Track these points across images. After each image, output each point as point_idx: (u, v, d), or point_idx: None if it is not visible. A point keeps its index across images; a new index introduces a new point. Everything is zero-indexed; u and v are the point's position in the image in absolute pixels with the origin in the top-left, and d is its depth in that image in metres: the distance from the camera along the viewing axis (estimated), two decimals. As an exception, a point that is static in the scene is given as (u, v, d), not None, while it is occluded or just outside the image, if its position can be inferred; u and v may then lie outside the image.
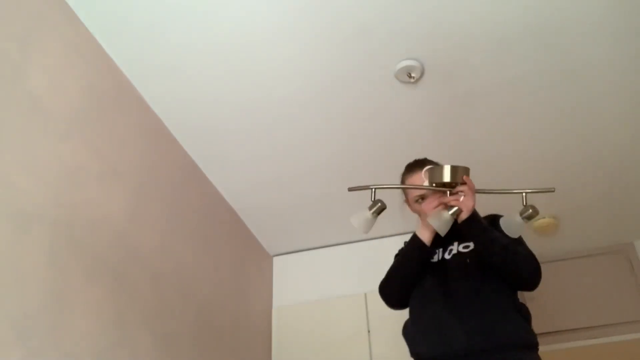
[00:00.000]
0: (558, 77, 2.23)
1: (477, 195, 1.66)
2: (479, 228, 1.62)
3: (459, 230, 1.68)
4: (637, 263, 3.34)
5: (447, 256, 1.74)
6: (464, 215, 1.60)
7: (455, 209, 1.61)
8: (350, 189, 1.77)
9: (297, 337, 3.03)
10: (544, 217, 3.12)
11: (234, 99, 2.30)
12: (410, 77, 2.17)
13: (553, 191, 1.68)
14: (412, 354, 1.70)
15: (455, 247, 1.74)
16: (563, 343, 3.18)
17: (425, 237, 1.71)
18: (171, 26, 1.98)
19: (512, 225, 1.65)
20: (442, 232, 1.60)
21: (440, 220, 1.59)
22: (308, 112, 2.38)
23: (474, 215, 1.62)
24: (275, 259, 3.39)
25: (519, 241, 1.71)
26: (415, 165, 1.81)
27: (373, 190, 1.73)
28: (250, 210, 2.99)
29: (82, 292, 1.69)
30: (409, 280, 1.75)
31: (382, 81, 2.22)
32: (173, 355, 2.12)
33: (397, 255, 1.89)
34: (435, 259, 1.75)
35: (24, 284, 1.47)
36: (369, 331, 2.92)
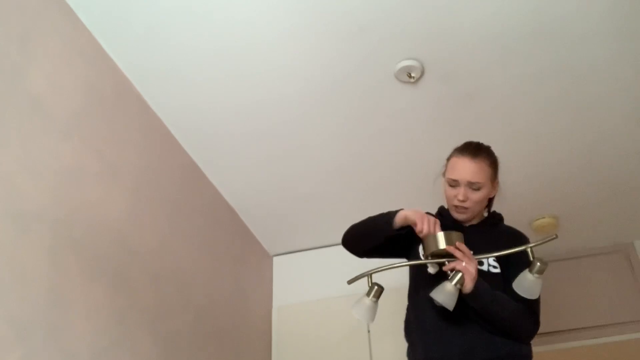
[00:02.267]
0: (557, 77, 2.23)
1: None
2: (486, 301, 1.52)
3: (475, 239, 1.63)
4: (637, 263, 3.34)
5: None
6: (468, 284, 1.48)
7: (458, 276, 1.47)
8: (349, 282, 1.68)
9: (297, 337, 3.02)
10: (544, 217, 3.12)
11: (233, 100, 2.30)
12: (410, 77, 2.17)
13: (556, 237, 1.57)
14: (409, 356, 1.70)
15: None
16: (563, 343, 3.18)
17: (400, 221, 1.62)
18: (171, 26, 1.98)
19: (526, 285, 1.51)
20: (450, 307, 1.46)
21: (444, 294, 1.45)
22: (308, 112, 2.38)
23: (478, 288, 1.50)
24: (275, 259, 3.39)
25: (535, 305, 1.62)
26: (468, 150, 1.69)
27: (369, 276, 1.64)
28: (250, 211, 2.99)
29: (82, 292, 1.69)
30: (372, 244, 1.71)
31: (382, 81, 2.22)
32: (173, 355, 2.12)
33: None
34: (432, 271, 1.64)
35: (24, 284, 1.47)
36: (369, 331, 2.92)
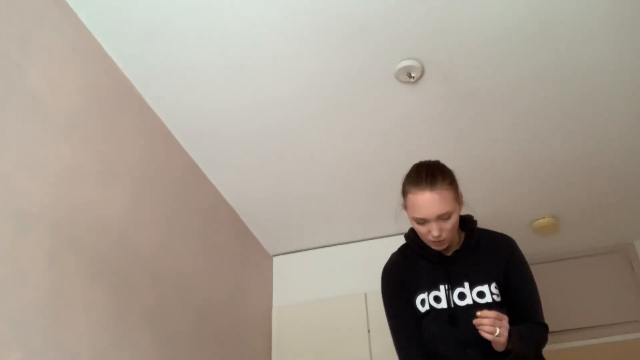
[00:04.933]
0: (558, 77, 2.23)
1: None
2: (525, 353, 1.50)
3: (467, 266, 1.62)
4: (637, 263, 3.35)
5: (458, 302, 1.61)
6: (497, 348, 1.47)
7: None
8: None
9: (297, 337, 3.02)
10: (544, 217, 3.12)
11: (233, 99, 2.29)
12: (410, 77, 2.17)
13: None
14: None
15: (467, 292, 1.61)
16: (563, 343, 3.19)
17: None
18: (172, 26, 1.98)
19: None
20: None
21: None
22: (308, 112, 2.38)
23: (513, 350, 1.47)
24: (275, 259, 3.39)
25: (540, 316, 1.64)
26: (424, 181, 1.57)
27: None
28: (250, 211, 2.99)
29: (82, 292, 1.69)
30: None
31: (382, 81, 2.22)
32: (173, 355, 2.12)
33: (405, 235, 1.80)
34: (443, 303, 1.61)
35: (24, 284, 1.47)
36: (369, 331, 2.92)
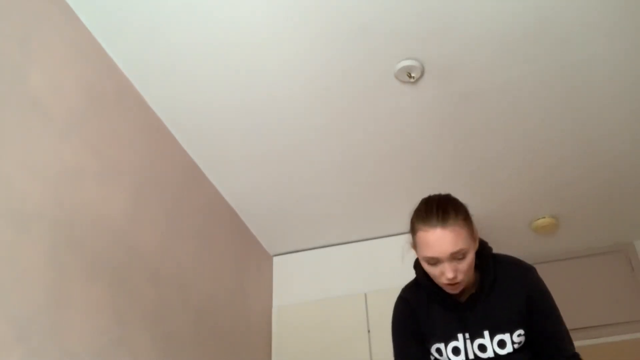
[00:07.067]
0: (558, 77, 2.23)
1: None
2: None
3: (485, 311, 1.48)
4: (637, 263, 3.35)
5: (480, 354, 1.47)
6: None
7: None
8: None
9: (297, 337, 3.03)
10: (544, 217, 3.12)
11: (233, 99, 2.30)
12: (410, 77, 2.17)
13: None
14: None
15: (488, 343, 1.48)
16: (563, 343, 3.18)
17: None
18: (171, 26, 1.98)
19: None
20: None
21: None
22: (308, 112, 2.38)
23: None
24: (275, 259, 3.39)
25: (571, 346, 1.51)
26: (434, 217, 1.41)
27: None
28: (250, 210, 2.99)
29: (82, 292, 1.69)
30: None
31: (382, 81, 2.22)
32: (173, 355, 2.12)
33: (415, 267, 1.62)
34: (462, 355, 1.48)
35: (24, 284, 1.47)
36: (369, 331, 2.92)
